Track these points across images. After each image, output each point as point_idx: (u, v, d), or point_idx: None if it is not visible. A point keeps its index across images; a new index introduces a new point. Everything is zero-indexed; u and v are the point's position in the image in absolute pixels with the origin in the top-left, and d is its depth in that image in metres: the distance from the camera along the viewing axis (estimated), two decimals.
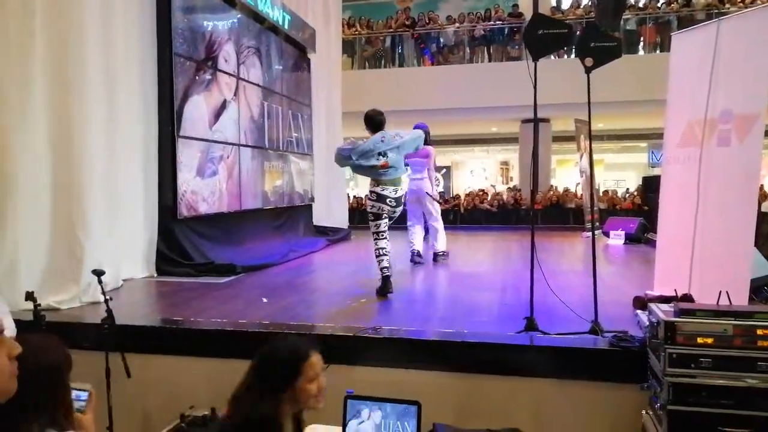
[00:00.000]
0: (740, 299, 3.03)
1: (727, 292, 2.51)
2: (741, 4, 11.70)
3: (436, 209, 6.75)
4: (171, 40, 5.66)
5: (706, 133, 3.76)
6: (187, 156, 5.87)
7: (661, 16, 12.69)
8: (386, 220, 4.80)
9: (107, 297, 3.14)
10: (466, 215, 13.07)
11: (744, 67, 3.45)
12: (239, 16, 7.07)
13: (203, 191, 6.15)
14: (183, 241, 5.86)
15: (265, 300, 4.56)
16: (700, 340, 2.31)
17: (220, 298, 4.67)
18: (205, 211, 6.20)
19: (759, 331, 2.26)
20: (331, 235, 9.09)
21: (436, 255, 6.69)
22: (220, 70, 6.55)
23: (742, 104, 3.46)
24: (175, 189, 5.71)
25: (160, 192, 5.67)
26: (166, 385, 3.39)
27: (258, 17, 7.52)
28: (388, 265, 4.72)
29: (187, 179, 5.85)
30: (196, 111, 6.05)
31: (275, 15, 7.86)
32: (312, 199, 9.48)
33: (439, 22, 13.79)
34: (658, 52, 12.43)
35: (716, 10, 11.51)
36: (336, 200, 10.79)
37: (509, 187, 14.89)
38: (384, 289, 4.65)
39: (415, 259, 6.50)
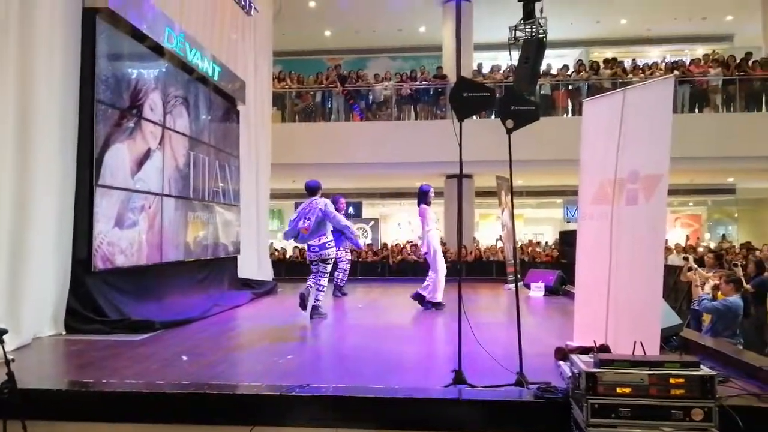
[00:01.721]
0: (652, 349, 3.20)
1: (641, 342, 2.65)
2: (642, 75, 12.90)
3: (432, 261, 7.20)
4: (93, 87, 5.50)
5: (616, 192, 4.03)
6: (106, 205, 5.61)
7: (572, 83, 13.73)
8: (317, 266, 6.46)
9: (9, 358, 2.88)
10: (395, 267, 13.15)
11: (647, 132, 3.76)
12: (167, 65, 6.99)
13: (121, 243, 5.87)
14: (97, 295, 5.51)
15: (185, 358, 4.33)
16: (619, 390, 2.41)
17: (135, 357, 4.39)
18: (123, 263, 5.90)
19: (671, 380, 2.39)
20: (257, 288, 8.85)
21: (425, 301, 7.17)
22: (145, 119, 6.40)
23: (647, 166, 3.75)
24: (91, 240, 5.41)
25: (75, 243, 5.35)
26: None
27: (187, 67, 7.47)
28: (306, 293, 6.25)
29: (104, 230, 5.57)
30: (118, 159, 5.84)
31: (204, 66, 7.84)
32: (238, 251, 9.25)
33: (367, 80, 14.23)
34: (570, 115, 13.37)
35: (620, 80, 12.61)
36: (263, 252, 10.60)
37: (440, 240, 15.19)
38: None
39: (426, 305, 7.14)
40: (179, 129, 7.24)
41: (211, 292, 7.75)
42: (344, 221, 6.73)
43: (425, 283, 7.25)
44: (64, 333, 5.19)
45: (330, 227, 6.47)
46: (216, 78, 8.24)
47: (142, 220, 6.26)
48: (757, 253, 9.44)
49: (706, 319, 5.75)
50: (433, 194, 7.45)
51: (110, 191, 5.69)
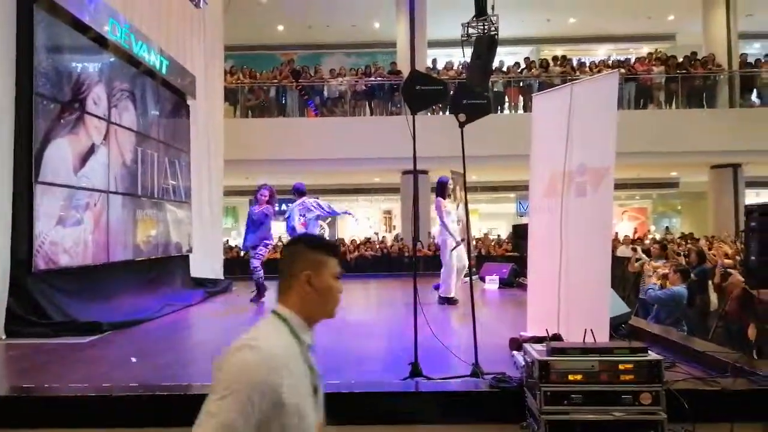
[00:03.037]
0: (602, 337, 3.28)
1: (591, 330, 2.71)
2: (589, 73, 13.27)
3: (443, 254, 7.09)
4: (32, 79, 5.23)
5: (565, 184, 4.12)
6: (47, 203, 5.36)
7: (524, 80, 13.99)
8: None
9: None
10: (353, 263, 13.11)
11: (594, 125, 3.86)
12: (112, 57, 6.73)
13: (65, 242, 5.62)
14: (39, 297, 5.26)
15: (134, 360, 4.19)
16: (571, 377, 2.46)
17: (81, 360, 4.22)
18: (67, 263, 5.65)
19: (621, 366, 2.45)
20: (210, 287, 8.66)
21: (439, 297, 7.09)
22: (89, 113, 6.14)
23: (594, 158, 3.85)
24: (31, 240, 5.15)
25: (13, 243, 5.08)
26: None
27: (133, 60, 7.21)
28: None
29: (45, 229, 5.32)
30: (60, 155, 5.58)
31: (152, 59, 7.59)
32: (190, 250, 9.02)
33: (322, 75, 14.11)
34: (522, 112, 13.63)
35: (569, 77, 12.93)
36: (217, 251, 10.38)
37: (396, 236, 15.25)
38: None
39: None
40: (125, 124, 6.98)
41: (162, 292, 7.52)
42: (334, 208, 7.93)
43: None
44: (3, 337, 4.93)
45: None
46: (164, 72, 7.99)
47: (87, 218, 6.02)
48: (701, 242, 9.87)
49: None
50: (451, 185, 7.27)
51: (52, 188, 5.44)
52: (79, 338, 4.95)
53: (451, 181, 7.27)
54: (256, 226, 7.35)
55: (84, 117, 6.05)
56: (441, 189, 7.15)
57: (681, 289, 5.53)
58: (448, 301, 6.95)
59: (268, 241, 7.57)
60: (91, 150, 6.16)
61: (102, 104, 6.44)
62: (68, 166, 5.75)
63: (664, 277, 6.01)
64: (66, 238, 5.64)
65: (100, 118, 6.37)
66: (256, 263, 7.36)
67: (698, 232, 14.42)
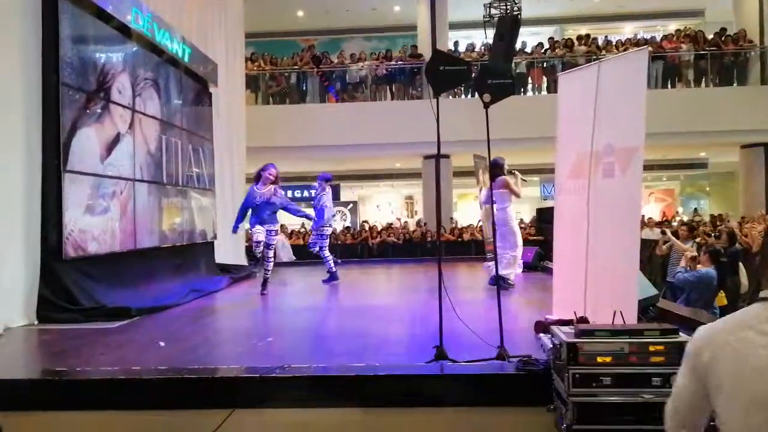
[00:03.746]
0: (630, 320, 3.22)
1: (620, 311, 2.66)
2: (615, 52, 12.95)
3: (505, 237, 6.77)
4: (58, 70, 5.30)
5: (592, 165, 4.03)
6: (75, 192, 5.45)
7: (547, 60, 13.74)
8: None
9: None
10: (375, 249, 13.14)
11: (622, 104, 3.76)
12: (135, 46, 6.78)
13: (93, 230, 5.72)
14: (69, 284, 5.37)
15: (162, 344, 4.25)
16: (599, 359, 2.42)
17: (111, 345, 4.30)
18: (95, 251, 5.75)
19: (651, 348, 2.40)
20: (235, 273, 8.76)
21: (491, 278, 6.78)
22: (114, 102, 6.21)
23: (622, 138, 3.75)
24: (61, 228, 5.26)
25: (44, 231, 5.19)
26: None
27: (156, 49, 7.25)
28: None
29: (74, 217, 5.41)
30: (86, 144, 5.66)
31: (174, 47, 7.63)
32: (214, 237, 9.12)
33: (342, 60, 14.05)
34: (545, 93, 13.41)
35: (594, 56, 12.64)
36: (240, 238, 10.47)
37: (418, 221, 15.22)
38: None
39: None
40: (150, 112, 7.05)
41: (187, 278, 7.63)
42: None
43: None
44: (36, 323, 5.06)
45: None
46: (187, 60, 8.03)
47: (114, 206, 6.11)
48: (728, 223, 9.63)
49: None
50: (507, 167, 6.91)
51: (79, 177, 5.53)
52: (108, 323, 5.04)
53: (506, 165, 6.90)
54: (262, 208, 6.73)
55: (109, 106, 6.12)
56: (501, 170, 6.76)
57: (709, 270, 5.41)
58: (505, 282, 6.60)
59: (325, 228, 7.67)
60: (117, 139, 6.24)
61: (126, 93, 6.50)
62: (95, 155, 5.83)
63: (693, 259, 5.88)
64: (94, 225, 5.73)
65: (124, 107, 6.43)
66: (270, 253, 6.79)
67: (726, 213, 14.09)
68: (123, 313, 5.29)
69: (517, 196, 6.90)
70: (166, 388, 3.09)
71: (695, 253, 6.00)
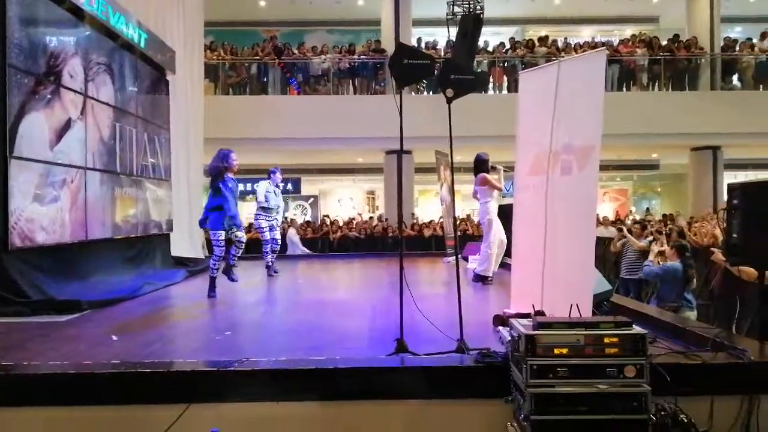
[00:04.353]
0: (585, 314, 3.30)
1: (577, 305, 2.72)
2: (574, 54, 13.25)
3: (487, 233, 6.87)
4: (5, 51, 5.05)
5: (551, 163, 4.11)
6: (23, 179, 5.22)
7: (508, 60, 13.95)
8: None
9: None
10: (336, 243, 13.09)
11: (580, 104, 3.84)
12: (88, 30, 6.53)
13: (42, 219, 5.49)
14: (15, 275, 5.15)
15: (115, 338, 4.13)
16: (556, 351, 2.47)
17: (60, 339, 4.14)
18: (44, 241, 5.53)
19: (606, 339, 2.47)
20: (192, 266, 8.57)
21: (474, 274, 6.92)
22: (65, 87, 5.97)
23: (580, 137, 3.83)
24: (6, 216, 5.02)
25: None
26: None
27: (110, 33, 7.01)
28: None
29: (21, 205, 5.18)
30: (35, 129, 5.43)
31: (130, 32, 7.39)
32: (170, 228, 8.90)
33: (305, 52, 13.90)
34: (506, 92, 13.61)
35: (554, 58, 12.89)
36: (196, 230, 10.26)
37: (379, 216, 15.23)
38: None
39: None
40: (103, 98, 6.81)
41: (142, 271, 7.43)
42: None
43: (479, 256, 6.90)
44: None
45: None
46: (143, 45, 7.79)
47: (64, 194, 5.88)
48: (678, 220, 10.01)
49: None
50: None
51: (27, 164, 5.30)
52: (57, 317, 4.87)
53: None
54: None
55: (60, 90, 5.88)
56: (485, 165, 6.89)
57: (675, 263, 5.60)
58: (483, 280, 6.81)
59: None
60: (68, 125, 6.01)
61: (78, 78, 6.26)
62: (44, 141, 5.60)
63: (661, 254, 6.07)
64: (43, 214, 5.51)
65: (76, 92, 6.20)
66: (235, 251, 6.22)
67: (676, 212, 14.63)
68: (73, 307, 5.11)
69: (499, 190, 6.98)
70: (119, 382, 3.00)
71: (664, 248, 6.19)
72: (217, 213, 5.92)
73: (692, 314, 5.51)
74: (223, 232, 5.97)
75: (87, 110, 6.40)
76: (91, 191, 6.44)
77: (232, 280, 6.24)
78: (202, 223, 6.23)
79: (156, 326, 4.78)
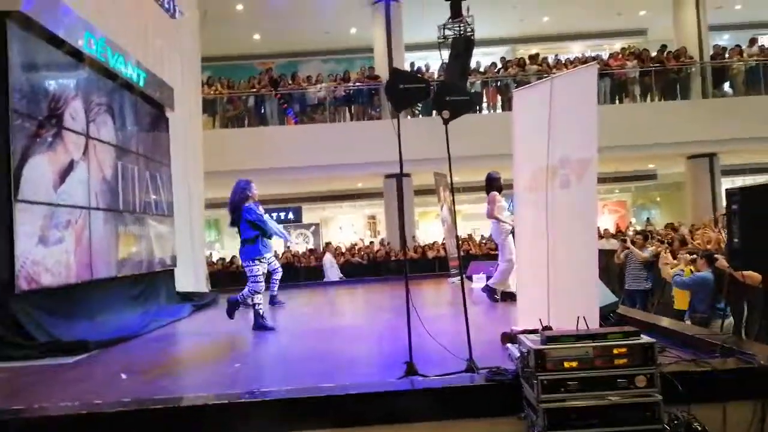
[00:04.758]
0: (593, 326, 3.30)
1: (584, 317, 2.73)
2: (565, 70, 13.42)
3: (503, 252, 6.87)
4: (7, 96, 5.14)
5: (549, 177, 4.15)
6: (28, 222, 5.26)
7: (501, 80, 14.12)
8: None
9: None
10: (339, 269, 13.08)
11: (575, 117, 3.90)
12: (88, 71, 6.64)
13: (47, 261, 5.52)
14: (23, 318, 5.15)
15: (124, 376, 4.12)
16: (566, 365, 2.47)
17: (69, 380, 4.13)
18: (50, 283, 5.55)
19: (615, 350, 2.47)
20: (197, 301, 8.56)
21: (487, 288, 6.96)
22: (67, 128, 6.05)
23: (576, 150, 3.88)
24: (13, 261, 5.05)
25: None
26: None
27: (110, 74, 7.13)
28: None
29: (27, 248, 5.22)
30: (38, 172, 5.49)
31: (129, 72, 7.52)
32: (174, 264, 8.92)
33: (300, 82, 14.09)
34: (500, 111, 13.75)
35: (546, 75, 13.06)
36: (200, 265, 10.29)
37: (381, 240, 15.25)
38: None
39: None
40: (104, 138, 6.90)
41: (147, 308, 7.42)
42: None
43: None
44: None
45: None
46: (142, 84, 7.91)
47: (69, 235, 5.92)
48: (681, 229, 10.02)
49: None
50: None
51: (32, 206, 5.35)
52: (65, 358, 4.85)
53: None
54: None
55: (62, 133, 5.97)
56: (497, 183, 6.95)
57: (706, 274, 5.54)
58: (492, 294, 6.83)
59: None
60: (71, 166, 6.08)
61: (80, 119, 6.36)
62: (48, 184, 5.66)
63: (692, 263, 6.00)
64: (48, 256, 5.54)
65: (78, 133, 6.28)
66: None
67: (678, 222, 14.64)
68: (81, 347, 5.09)
69: (494, 218, 6.98)
70: (131, 421, 2.99)
71: (693, 257, 6.12)
72: (249, 246, 5.98)
73: (725, 323, 5.33)
74: (259, 266, 6.02)
75: (89, 151, 6.48)
76: (95, 231, 6.48)
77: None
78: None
79: (165, 363, 4.78)
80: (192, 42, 10.54)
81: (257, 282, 5.92)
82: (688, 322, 5.62)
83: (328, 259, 12.52)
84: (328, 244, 14.02)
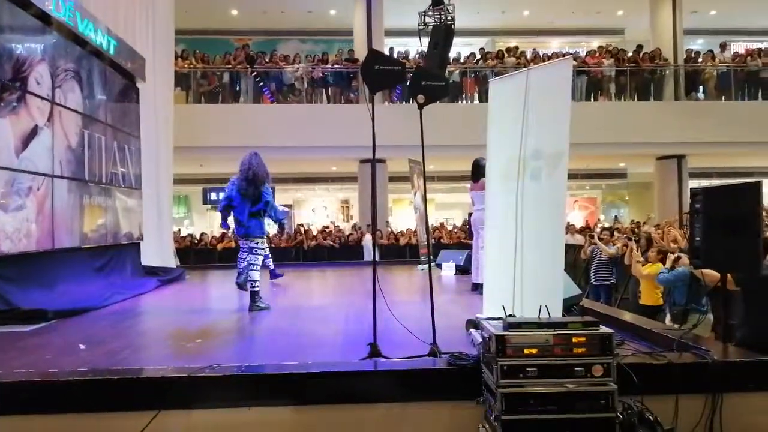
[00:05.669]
0: (554, 315, 3.36)
1: (546, 306, 2.77)
2: (543, 64, 13.51)
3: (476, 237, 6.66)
4: None
5: (521, 169, 4.19)
6: None
7: (479, 70, 14.15)
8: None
9: None
10: (310, 252, 13.04)
11: (549, 110, 3.93)
12: (56, 36, 6.42)
13: (6, 227, 5.35)
14: None
15: (82, 347, 4.04)
16: (526, 351, 2.51)
17: (25, 348, 4.04)
18: (8, 250, 5.38)
19: (574, 339, 2.52)
20: (163, 276, 8.44)
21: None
22: (31, 93, 5.85)
23: (549, 143, 3.92)
24: None
25: None
26: None
27: (79, 40, 6.90)
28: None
29: None
30: (0, 136, 5.31)
31: (99, 39, 7.29)
32: (140, 238, 8.76)
33: (277, 61, 13.88)
34: (477, 102, 13.80)
35: (524, 68, 13.13)
36: (167, 239, 10.11)
37: (353, 225, 15.23)
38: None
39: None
40: (71, 105, 6.69)
41: (111, 280, 7.28)
42: None
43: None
44: None
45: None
46: (112, 52, 7.69)
47: (30, 202, 5.75)
48: (644, 228, 10.24)
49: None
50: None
51: None
52: (22, 326, 4.75)
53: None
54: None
55: (26, 97, 5.76)
56: (484, 170, 6.74)
57: (683, 269, 5.65)
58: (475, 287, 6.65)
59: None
60: (34, 132, 5.88)
61: (45, 84, 6.15)
62: (9, 148, 5.47)
63: (677, 260, 6.09)
64: (7, 223, 5.37)
65: (43, 98, 6.08)
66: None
67: (647, 215, 15.04)
68: (38, 316, 4.99)
69: (478, 205, 6.77)
70: (87, 390, 2.94)
71: (681, 254, 6.21)
72: (259, 220, 5.92)
73: (702, 318, 5.39)
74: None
75: (54, 117, 6.28)
76: (58, 199, 6.30)
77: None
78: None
79: (125, 335, 4.70)
80: (166, 13, 10.27)
81: (268, 256, 6.04)
82: (668, 316, 5.78)
83: (368, 239, 12.29)
84: (368, 225, 13.66)
